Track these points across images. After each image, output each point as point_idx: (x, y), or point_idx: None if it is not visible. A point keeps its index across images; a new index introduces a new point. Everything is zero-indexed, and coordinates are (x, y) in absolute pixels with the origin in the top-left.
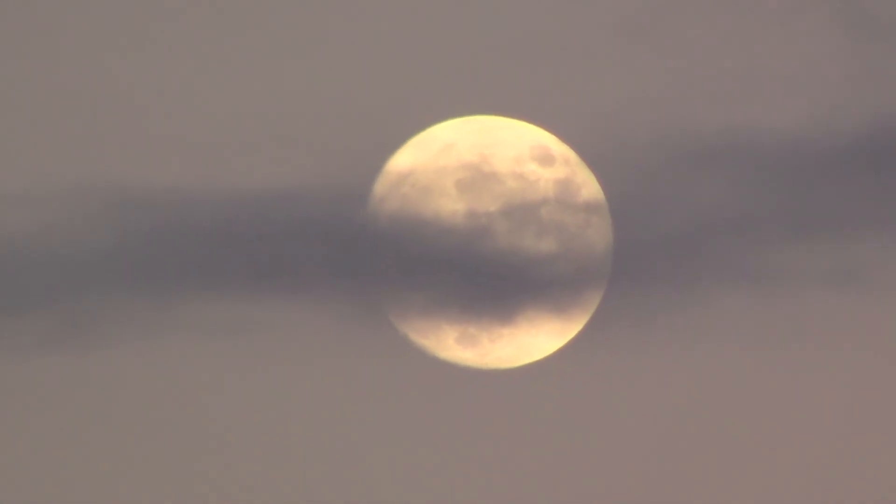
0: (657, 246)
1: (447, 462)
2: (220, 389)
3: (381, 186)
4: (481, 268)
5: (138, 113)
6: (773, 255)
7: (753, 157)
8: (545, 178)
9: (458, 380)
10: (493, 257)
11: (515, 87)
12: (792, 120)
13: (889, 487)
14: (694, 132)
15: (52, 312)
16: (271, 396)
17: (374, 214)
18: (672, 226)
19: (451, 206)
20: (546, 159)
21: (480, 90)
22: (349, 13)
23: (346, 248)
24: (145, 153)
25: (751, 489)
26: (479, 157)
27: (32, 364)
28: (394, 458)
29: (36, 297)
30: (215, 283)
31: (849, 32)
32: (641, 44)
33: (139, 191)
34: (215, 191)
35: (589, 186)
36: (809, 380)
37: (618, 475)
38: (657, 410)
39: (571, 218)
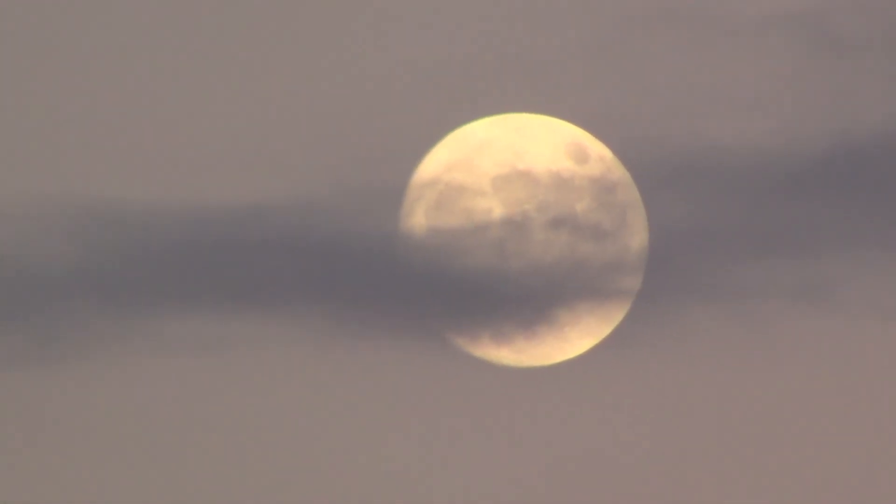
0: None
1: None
2: (193, 406)
3: (415, 186)
4: (515, 267)
5: (112, 127)
6: (738, 270)
7: (718, 173)
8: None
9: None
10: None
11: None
12: (757, 137)
13: (855, 500)
14: (658, 148)
15: (21, 328)
16: (256, 411)
17: (409, 214)
18: None
19: (486, 204)
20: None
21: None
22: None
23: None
24: (116, 168)
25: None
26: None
27: (0, 380)
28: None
29: (4, 312)
30: (189, 299)
31: (813, 51)
32: (605, 60)
33: (111, 206)
34: (191, 206)
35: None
36: (775, 394)
37: (597, 476)
38: (623, 422)
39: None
